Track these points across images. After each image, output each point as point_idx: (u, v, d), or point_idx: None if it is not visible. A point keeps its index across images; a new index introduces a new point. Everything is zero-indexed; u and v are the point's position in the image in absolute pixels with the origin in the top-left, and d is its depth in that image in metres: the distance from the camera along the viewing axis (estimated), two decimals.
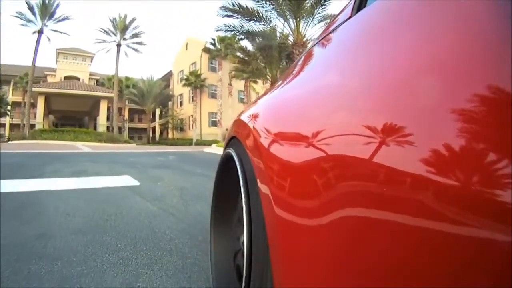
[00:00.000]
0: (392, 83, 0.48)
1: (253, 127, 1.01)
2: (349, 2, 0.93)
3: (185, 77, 34.03)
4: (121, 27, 32.98)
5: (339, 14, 1.01)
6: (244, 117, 1.18)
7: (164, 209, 3.11)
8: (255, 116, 1.08)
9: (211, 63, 34.59)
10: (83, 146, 17.86)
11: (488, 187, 0.28)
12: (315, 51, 1.03)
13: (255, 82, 29.33)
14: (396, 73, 0.48)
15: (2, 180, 4.11)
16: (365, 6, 0.76)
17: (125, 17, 33.27)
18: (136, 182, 4.75)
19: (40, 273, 1.59)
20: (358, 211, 0.44)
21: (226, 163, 1.31)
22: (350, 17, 0.83)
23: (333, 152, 0.54)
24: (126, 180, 4.95)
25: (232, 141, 1.28)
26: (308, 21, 15.03)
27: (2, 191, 3.53)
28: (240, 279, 0.90)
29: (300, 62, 1.14)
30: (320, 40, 1.04)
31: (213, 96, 33.95)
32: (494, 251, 0.27)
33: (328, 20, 15.33)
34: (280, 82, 1.21)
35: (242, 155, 1.05)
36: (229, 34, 20.35)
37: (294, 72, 1.10)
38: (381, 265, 0.39)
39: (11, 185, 3.97)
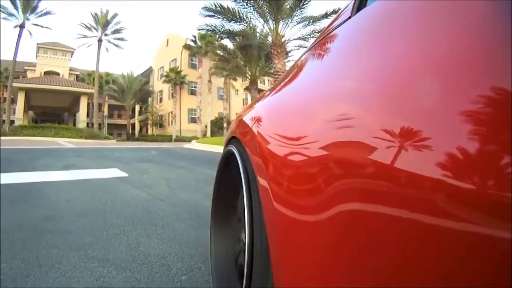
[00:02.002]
0: (391, 83, 0.48)
1: (253, 127, 1.02)
2: (349, 2, 0.92)
3: (165, 73, 33.80)
4: (103, 22, 32.55)
5: (339, 14, 1.00)
6: (244, 118, 1.19)
7: (153, 196, 3.55)
8: (254, 117, 1.08)
9: (192, 60, 34.54)
10: (65, 142, 17.83)
11: (488, 185, 0.28)
12: (315, 51, 1.02)
13: (235, 79, 29.35)
14: (396, 74, 0.48)
15: (1, 173, 4.43)
16: (365, 6, 0.76)
17: (107, 12, 32.87)
18: (124, 174, 5.16)
19: (57, 243, 1.96)
20: (352, 207, 0.45)
21: (227, 160, 1.32)
22: (350, 17, 0.83)
23: (331, 151, 0.54)
24: (115, 172, 5.34)
25: (232, 140, 1.30)
26: (287, 23, 15.39)
27: (2, 182, 3.85)
28: (241, 279, 0.91)
29: (299, 63, 1.13)
30: (320, 40, 1.04)
31: (192, 92, 33.89)
32: (494, 250, 0.26)
33: (307, 22, 15.71)
34: (279, 82, 1.21)
35: (242, 153, 1.07)
36: (210, 33, 20.53)
37: (293, 73, 1.09)
38: (382, 262, 0.39)
39: (10, 177, 4.30)
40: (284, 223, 0.65)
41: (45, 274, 1.56)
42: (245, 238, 0.86)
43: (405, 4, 0.56)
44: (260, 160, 0.84)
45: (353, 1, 0.86)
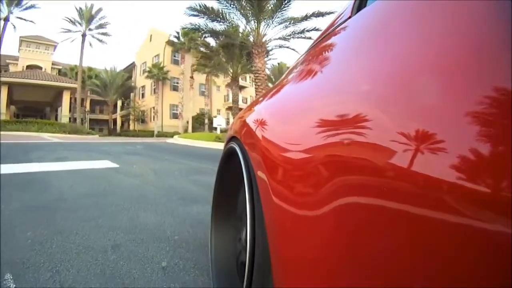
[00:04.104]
0: (390, 83, 0.47)
1: (253, 126, 1.02)
2: (349, 2, 0.92)
3: (148, 69, 33.65)
4: (87, 17, 32.12)
5: (339, 14, 1.00)
6: (245, 118, 1.20)
7: (145, 182, 4.06)
8: (255, 116, 1.09)
9: (174, 56, 34.48)
10: (49, 137, 17.77)
11: (488, 184, 0.27)
12: (314, 51, 1.01)
13: (217, 76, 29.59)
14: (395, 73, 0.47)
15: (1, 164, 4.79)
16: (365, 6, 0.76)
17: (91, 6, 32.43)
18: (115, 165, 5.65)
19: (71, 217, 2.39)
20: (349, 205, 0.45)
21: (228, 158, 1.34)
22: (350, 17, 0.83)
23: (330, 149, 0.54)
24: (107, 164, 5.83)
25: (232, 139, 1.32)
26: (268, 23, 15.86)
27: (2, 172, 4.23)
28: (241, 279, 0.89)
29: (299, 62, 1.12)
30: (320, 40, 1.03)
31: (175, 88, 33.87)
32: (493, 248, 0.26)
33: (288, 23, 16.09)
34: (279, 83, 1.21)
35: (243, 151, 1.07)
36: (194, 31, 20.77)
37: (292, 73, 1.09)
38: (383, 258, 0.38)
39: (10, 168, 4.68)
40: (283, 220, 0.65)
41: (66, 238, 1.94)
42: (246, 236, 0.86)
43: (405, 4, 0.56)
44: (260, 157, 0.84)
45: (353, 1, 0.86)
